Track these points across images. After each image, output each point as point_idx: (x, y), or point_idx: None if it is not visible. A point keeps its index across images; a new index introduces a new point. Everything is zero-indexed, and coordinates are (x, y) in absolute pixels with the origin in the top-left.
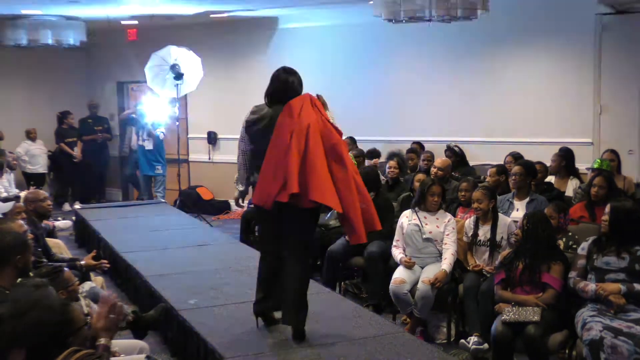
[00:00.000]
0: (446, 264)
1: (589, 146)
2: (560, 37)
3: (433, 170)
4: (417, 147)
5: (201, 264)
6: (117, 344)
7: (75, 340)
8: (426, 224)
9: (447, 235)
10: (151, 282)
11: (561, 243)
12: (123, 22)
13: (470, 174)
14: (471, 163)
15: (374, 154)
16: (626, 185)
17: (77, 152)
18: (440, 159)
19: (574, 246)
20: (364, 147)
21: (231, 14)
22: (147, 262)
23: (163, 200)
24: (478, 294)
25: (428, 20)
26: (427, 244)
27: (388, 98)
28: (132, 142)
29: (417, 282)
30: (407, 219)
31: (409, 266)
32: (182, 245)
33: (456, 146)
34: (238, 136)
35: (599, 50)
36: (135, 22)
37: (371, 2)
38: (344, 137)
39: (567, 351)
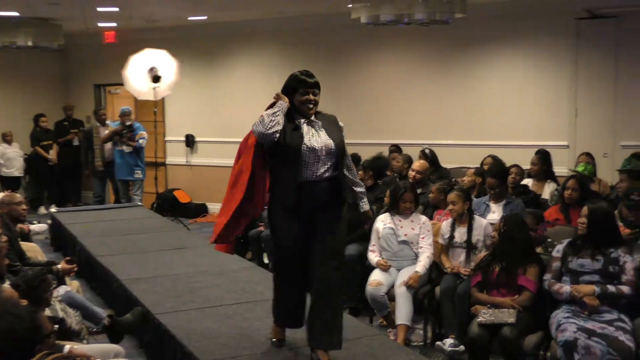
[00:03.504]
0: (420, 266)
1: (565, 149)
2: (538, 41)
3: (411, 173)
4: (396, 150)
5: (178, 268)
6: (92, 348)
7: (43, 348)
8: (401, 227)
9: (423, 238)
10: (127, 286)
11: (540, 248)
12: (100, 25)
13: (443, 176)
14: (449, 166)
15: (354, 160)
16: (601, 187)
17: (52, 155)
18: (418, 162)
19: (549, 249)
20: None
21: (209, 17)
22: (123, 265)
23: (140, 204)
24: (454, 296)
25: (407, 24)
26: (402, 246)
27: (365, 101)
28: (106, 152)
29: (393, 285)
30: (382, 222)
31: (385, 269)
32: (159, 249)
33: (427, 149)
34: (216, 139)
35: (576, 54)
36: (113, 24)
37: (350, 6)
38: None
39: (541, 352)
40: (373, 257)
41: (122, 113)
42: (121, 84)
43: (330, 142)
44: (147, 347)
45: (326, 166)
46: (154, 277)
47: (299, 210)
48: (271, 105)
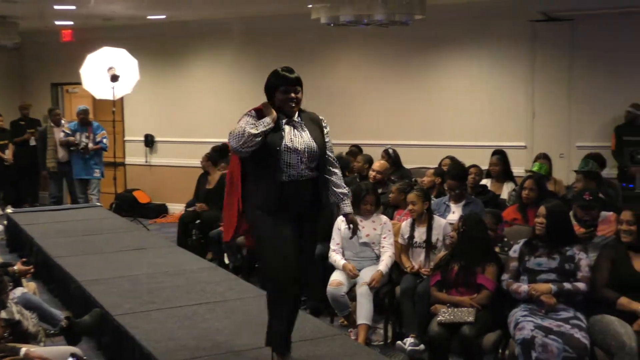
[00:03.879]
0: (383, 265)
1: (522, 150)
2: (496, 43)
3: (372, 173)
4: (356, 151)
5: (137, 268)
6: (49, 350)
7: None
8: (362, 227)
9: (384, 237)
10: (86, 287)
11: (497, 248)
12: (58, 23)
13: (405, 176)
14: (409, 166)
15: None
16: (557, 187)
17: (8, 155)
18: (379, 162)
19: (505, 248)
20: None
21: (169, 16)
22: (81, 266)
23: (99, 204)
24: (414, 295)
25: (366, 25)
26: (364, 248)
27: (325, 102)
28: (59, 153)
29: (354, 285)
30: (343, 222)
31: (353, 276)
32: (117, 250)
33: (391, 149)
34: (176, 139)
35: (532, 56)
36: (71, 22)
37: (310, 6)
38: None
39: (500, 350)
40: (338, 258)
41: (80, 112)
42: (79, 83)
43: (313, 144)
44: (106, 349)
45: (309, 167)
46: (113, 278)
47: (287, 210)
48: (256, 113)
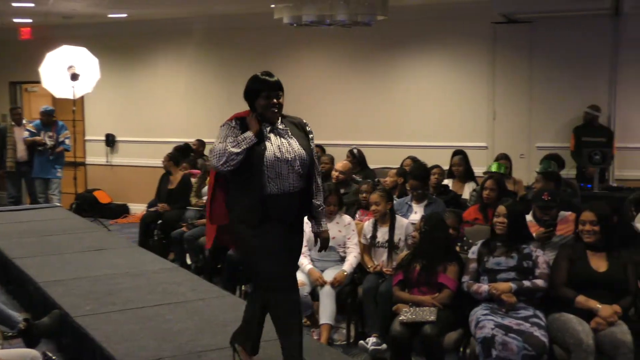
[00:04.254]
0: (347, 265)
1: (484, 150)
2: (457, 44)
3: (334, 173)
4: (318, 151)
5: (98, 269)
6: (7, 353)
7: None
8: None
9: (349, 238)
10: (45, 288)
11: (458, 247)
12: (16, 20)
13: (370, 176)
14: (373, 166)
15: None
16: (516, 187)
17: None
18: (341, 163)
19: (465, 247)
20: None
21: (130, 15)
22: (40, 267)
23: (59, 204)
24: (377, 295)
25: (329, 25)
26: (329, 251)
27: (289, 101)
28: (19, 152)
29: (316, 285)
30: (307, 225)
31: (320, 284)
32: (78, 250)
33: (355, 149)
34: (137, 139)
35: (493, 58)
36: (29, 20)
37: (273, 6)
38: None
39: (461, 349)
40: (305, 262)
41: (43, 112)
42: (38, 82)
43: (303, 152)
44: (66, 351)
45: (300, 178)
46: (73, 279)
47: (276, 221)
48: (239, 122)
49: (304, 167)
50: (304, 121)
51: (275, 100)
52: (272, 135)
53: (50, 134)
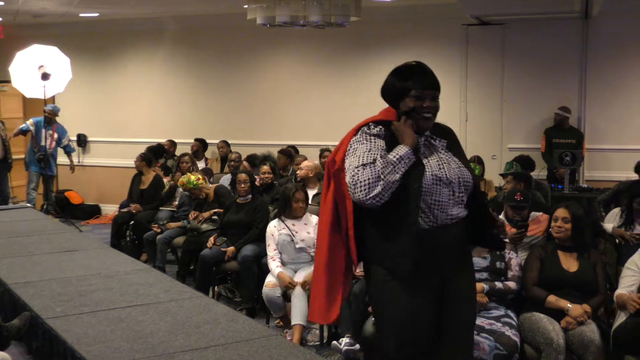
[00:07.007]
0: None
1: None
2: (430, 46)
3: (300, 172)
4: (292, 151)
5: (69, 271)
6: None
7: None
8: (296, 232)
9: None
10: (15, 290)
11: None
12: None
13: None
14: None
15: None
16: (487, 188)
17: None
18: (306, 162)
19: None
20: (243, 152)
21: (101, 14)
22: (10, 269)
23: (29, 205)
24: (350, 295)
25: (302, 26)
26: (300, 253)
27: (262, 102)
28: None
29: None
30: (276, 228)
31: (291, 287)
32: (48, 251)
33: (327, 150)
34: (109, 139)
35: (465, 59)
36: None
37: (246, 6)
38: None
39: None
40: (273, 266)
41: (53, 111)
42: (8, 81)
43: (465, 171)
44: (36, 353)
45: (460, 205)
46: (43, 281)
47: (428, 274)
48: (379, 126)
49: (466, 190)
50: (452, 130)
51: (428, 103)
52: (425, 150)
53: (51, 132)
